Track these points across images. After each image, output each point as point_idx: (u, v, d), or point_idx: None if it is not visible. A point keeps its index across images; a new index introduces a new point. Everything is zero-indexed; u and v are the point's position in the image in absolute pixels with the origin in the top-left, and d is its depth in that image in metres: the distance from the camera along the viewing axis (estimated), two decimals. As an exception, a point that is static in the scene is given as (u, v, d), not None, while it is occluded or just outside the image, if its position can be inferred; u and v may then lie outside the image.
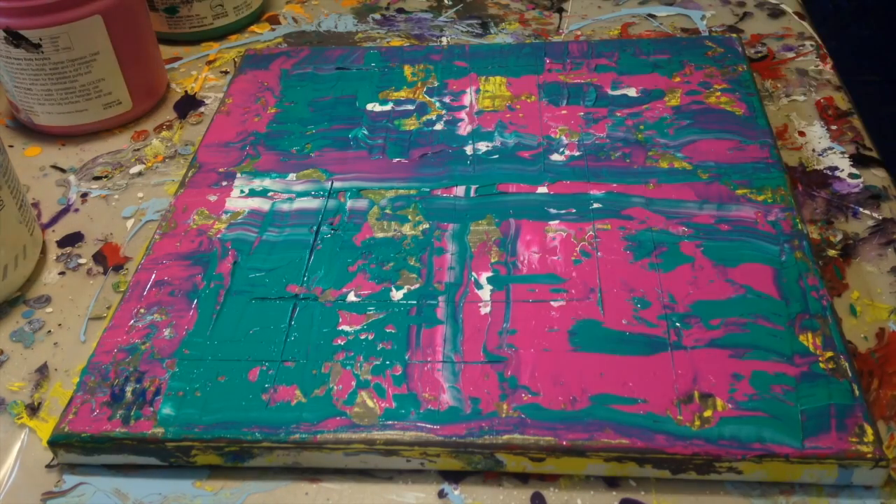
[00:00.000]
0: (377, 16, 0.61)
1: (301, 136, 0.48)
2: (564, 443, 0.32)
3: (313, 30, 0.60)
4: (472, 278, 0.39)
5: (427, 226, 0.42)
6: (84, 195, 0.48)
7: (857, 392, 0.33)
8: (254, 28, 0.61)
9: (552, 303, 0.37)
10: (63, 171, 0.50)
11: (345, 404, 0.34)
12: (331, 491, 0.33)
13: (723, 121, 0.46)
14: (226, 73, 0.57)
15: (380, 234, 0.42)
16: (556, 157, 0.45)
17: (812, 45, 0.54)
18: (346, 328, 0.37)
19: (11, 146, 0.52)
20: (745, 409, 0.33)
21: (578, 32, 0.57)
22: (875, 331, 0.37)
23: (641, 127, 0.46)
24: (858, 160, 0.45)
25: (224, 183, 0.45)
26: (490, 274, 0.39)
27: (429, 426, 0.33)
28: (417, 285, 0.39)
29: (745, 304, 0.36)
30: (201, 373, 0.36)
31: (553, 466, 0.33)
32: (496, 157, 0.45)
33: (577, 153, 0.45)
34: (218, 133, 0.49)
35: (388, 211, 0.43)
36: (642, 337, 0.36)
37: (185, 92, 0.55)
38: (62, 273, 0.43)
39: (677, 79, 0.49)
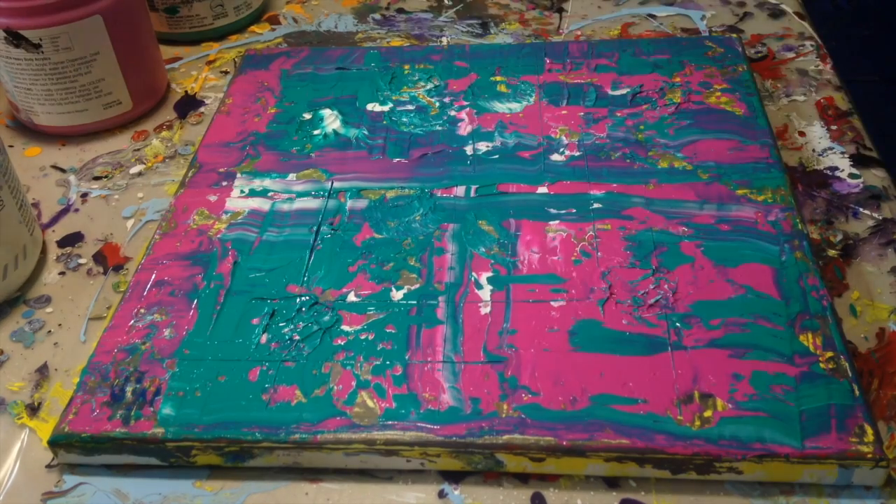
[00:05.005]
0: (377, 16, 0.61)
1: (301, 131, 0.48)
2: (564, 443, 0.32)
3: (313, 30, 0.60)
4: (473, 278, 0.39)
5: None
6: (84, 195, 0.48)
7: (857, 392, 0.33)
8: (254, 28, 0.61)
9: (552, 303, 0.37)
10: (63, 171, 0.50)
11: (345, 404, 0.34)
12: (331, 491, 0.33)
13: (723, 121, 0.46)
14: (226, 73, 0.57)
15: (380, 234, 0.41)
16: (556, 157, 0.45)
17: (812, 45, 0.54)
18: (346, 328, 0.37)
19: (11, 146, 0.52)
20: (745, 409, 0.33)
21: (578, 32, 0.57)
22: (875, 331, 0.37)
23: (641, 127, 0.46)
24: (858, 160, 0.45)
25: (224, 183, 0.45)
26: (490, 274, 0.39)
27: (429, 426, 0.33)
28: (417, 285, 0.39)
29: (746, 304, 0.36)
30: (201, 373, 0.36)
31: (553, 466, 0.33)
32: (496, 157, 0.45)
33: (577, 153, 0.45)
34: (218, 133, 0.49)
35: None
36: (642, 337, 0.36)
37: (185, 92, 0.55)
38: (62, 273, 0.43)
39: (677, 79, 0.49)
